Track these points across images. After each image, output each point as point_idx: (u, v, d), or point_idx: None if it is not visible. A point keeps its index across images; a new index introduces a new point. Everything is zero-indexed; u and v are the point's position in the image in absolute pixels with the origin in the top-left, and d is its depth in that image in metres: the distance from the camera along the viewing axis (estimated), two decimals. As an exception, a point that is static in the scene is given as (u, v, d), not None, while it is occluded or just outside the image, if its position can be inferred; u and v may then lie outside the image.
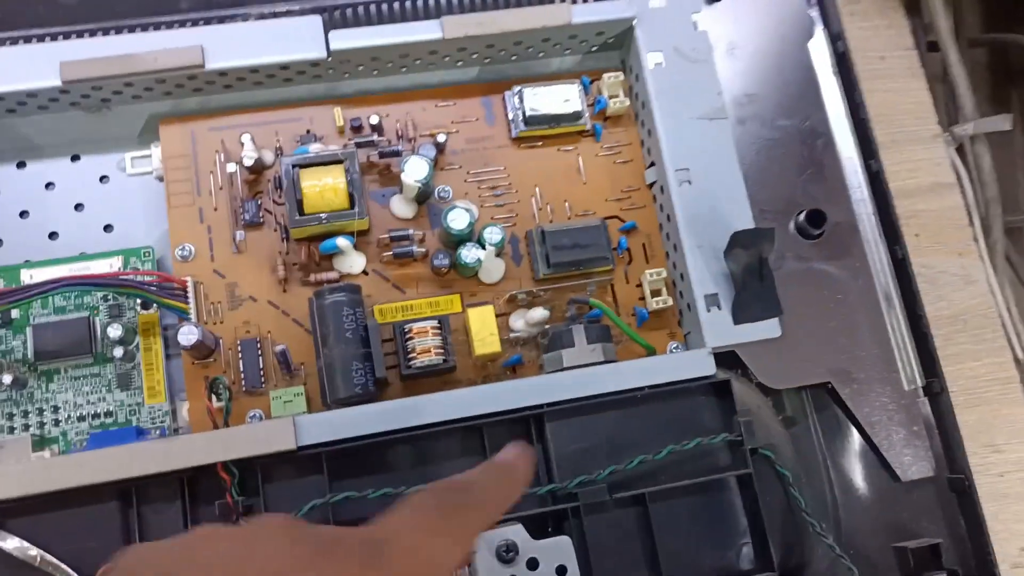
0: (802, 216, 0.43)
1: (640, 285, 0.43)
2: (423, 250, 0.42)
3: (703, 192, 0.42)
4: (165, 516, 0.36)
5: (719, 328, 0.40)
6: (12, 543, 0.34)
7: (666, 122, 0.43)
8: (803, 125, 0.45)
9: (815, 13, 0.48)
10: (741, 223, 0.41)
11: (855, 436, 0.42)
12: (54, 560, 0.34)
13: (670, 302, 0.43)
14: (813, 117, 0.46)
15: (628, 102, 0.45)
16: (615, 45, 0.46)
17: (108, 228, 0.42)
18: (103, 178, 0.43)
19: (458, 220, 0.41)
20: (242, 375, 0.40)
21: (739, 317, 0.40)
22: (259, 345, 0.40)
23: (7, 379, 0.38)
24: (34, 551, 0.34)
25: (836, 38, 0.47)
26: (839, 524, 0.41)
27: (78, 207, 0.42)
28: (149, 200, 0.42)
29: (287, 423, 0.36)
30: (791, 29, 0.47)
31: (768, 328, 0.40)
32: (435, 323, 0.40)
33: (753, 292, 0.40)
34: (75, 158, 0.43)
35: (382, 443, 0.38)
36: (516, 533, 0.37)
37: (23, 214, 0.42)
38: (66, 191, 0.42)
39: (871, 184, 0.45)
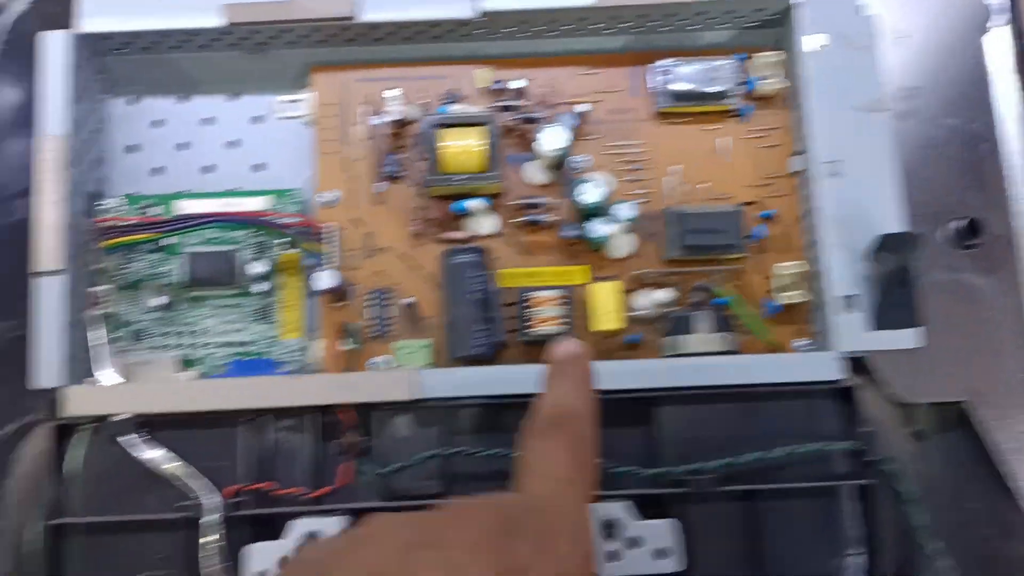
0: (956, 224, 0.41)
1: (771, 277, 0.42)
2: (554, 219, 0.42)
3: (852, 187, 0.40)
4: (296, 445, 0.38)
5: (852, 332, 0.39)
6: (157, 453, 0.37)
7: (820, 109, 0.41)
8: (969, 126, 0.42)
9: (995, 1, 0.44)
10: (890, 225, 0.39)
11: (985, 462, 0.40)
12: (195, 472, 0.37)
13: (802, 298, 0.41)
14: (980, 119, 0.43)
15: (781, 84, 0.43)
16: (774, 22, 0.44)
17: (258, 167, 0.44)
18: (257, 119, 0.45)
19: (589, 194, 0.40)
20: (371, 322, 0.41)
21: (876, 323, 0.39)
22: (390, 295, 0.42)
23: (161, 301, 0.41)
24: (176, 463, 0.37)
25: (1020, 34, 0.43)
26: (954, 551, 0.39)
27: (232, 144, 0.44)
28: (297, 144, 0.44)
29: (411, 374, 0.38)
30: (966, 20, 0.44)
31: (904, 338, 0.39)
32: (559, 293, 0.41)
33: (893, 299, 0.39)
34: (232, 97, 0.45)
35: (497, 405, 0.38)
36: (623, 510, 0.37)
37: (182, 146, 0.44)
38: (223, 128, 0.44)
39: (1038, 197, 0.42)
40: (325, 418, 0.38)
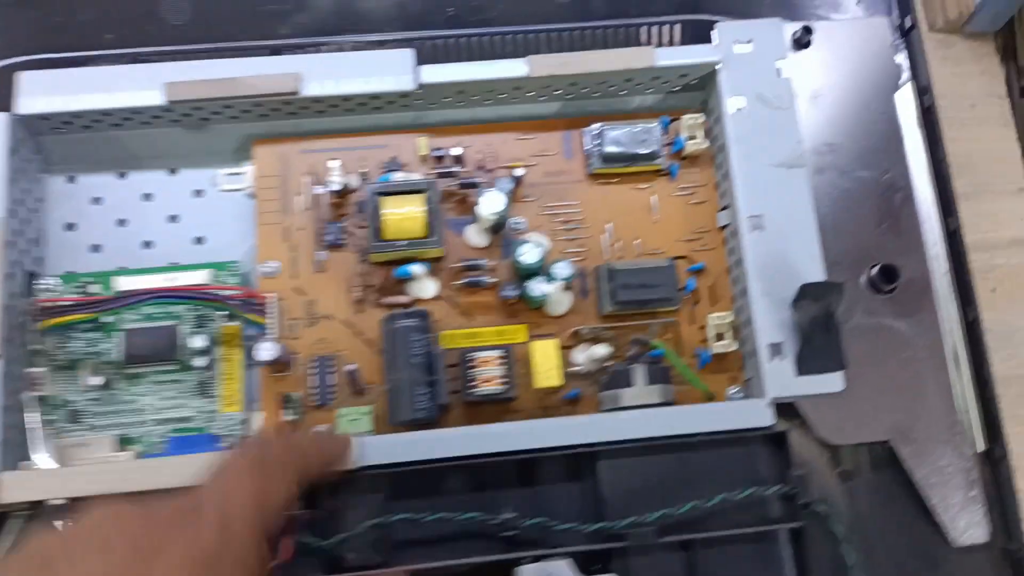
0: (874, 270, 0.43)
1: (704, 327, 0.44)
2: (493, 280, 0.43)
3: (775, 239, 0.42)
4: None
5: (781, 378, 0.40)
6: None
7: (743, 167, 0.43)
8: (882, 177, 0.45)
9: (903, 59, 0.47)
10: (812, 274, 0.41)
11: (911, 496, 0.42)
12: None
13: (734, 347, 0.43)
14: (893, 169, 0.45)
15: (706, 144, 0.45)
16: (697, 86, 0.46)
17: (199, 240, 0.45)
18: (198, 192, 0.45)
19: (528, 254, 0.42)
20: (314, 391, 0.42)
21: (802, 369, 0.40)
22: (333, 362, 0.42)
23: (98, 380, 0.41)
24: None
25: (923, 91, 0.47)
26: (889, 584, 0.41)
27: (173, 218, 0.45)
28: (239, 215, 0.45)
29: (352, 441, 0.38)
30: (877, 78, 0.47)
31: (830, 382, 0.41)
32: (500, 353, 0.42)
33: (818, 345, 0.40)
34: (172, 171, 0.45)
35: (439, 468, 0.39)
36: (567, 567, 0.38)
37: (121, 222, 0.45)
38: (162, 202, 0.45)
39: (948, 241, 0.45)
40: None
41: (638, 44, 0.47)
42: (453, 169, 0.44)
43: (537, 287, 0.42)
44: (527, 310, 0.44)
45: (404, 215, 0.42)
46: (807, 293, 0.40)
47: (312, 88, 0.42)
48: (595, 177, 0.46)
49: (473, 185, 0.44)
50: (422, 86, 0.43)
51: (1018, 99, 0.55)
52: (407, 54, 0.43)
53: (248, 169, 0.45)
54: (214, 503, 0.28)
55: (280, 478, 0.31)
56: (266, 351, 0.40)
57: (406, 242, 0.42)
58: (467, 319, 0.44)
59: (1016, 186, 0.51)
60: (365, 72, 0.42)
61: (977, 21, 0.52)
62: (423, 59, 0.43)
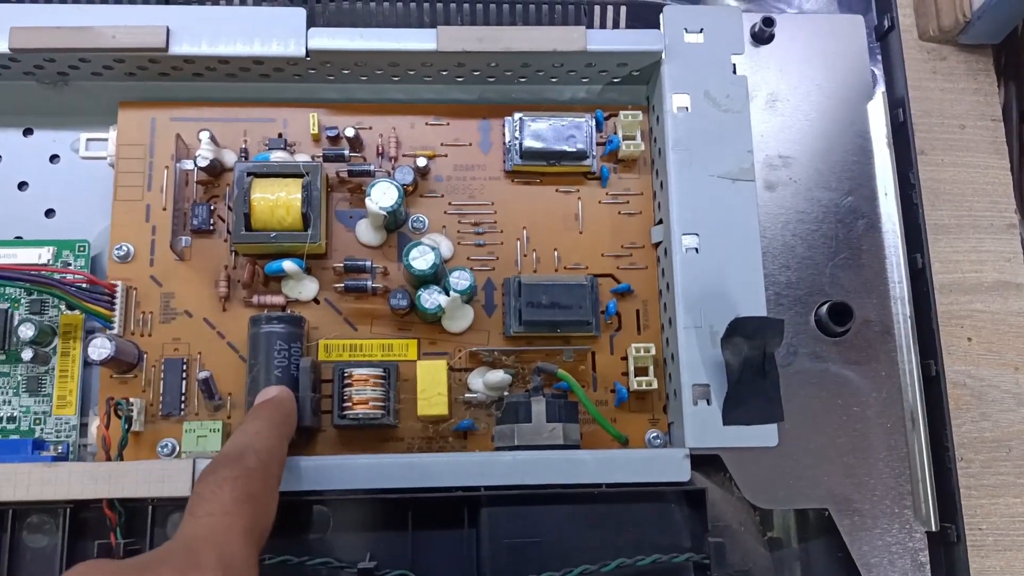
0: (825, 308, 0.37)
1: (626, 358, 0.38)
2: (380, 285, 0.37)
3: (711, 263, 0.36)
4: (43, 547, 0.33)
5: (705, 426, 0.34)
6: None
7: (681, 176, 0.37)
8: (844, 201, 0.39)
9: (879, 70, 0.41)
10: (750, 307, 0.35)
11: (849, 574, 0.36)
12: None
13: (656, 384, 0.37)
14: (857, 193, 0.39)
15: (644, 146, 0.39)
16: (641, 79, 0.40)
17: (50, 213, 0.39)
18: (54, 157, 0.39)
19: (420, 259, 0.36)
20: (161, 398, 0.36)
21: (729, 417, 0.34)
22: (185, 367, 0.36)
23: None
24: None
25: (896, 104, 0.40)
26: (812, 678, 0.35)
27: (22, 186, 0.39)
28: (99, 188, 0.39)
29: (186, 465, 0.32)
30: (848, 84, 0.40)
31: (763, 435, 0.34)
32: (379, 371, 0.36)
33: (751, 390, 0.34)
34: (28, 132, 0.39)
35: (293, 503, 0.33)
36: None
37: (-44, 187, 0.39)
38: (12, 167, 0.39)
39: (913, 282, 0.38)
40: (83, 514, 0.33)
41: (577, 24, 0.41)
42: (344, 152, 0.38)
43: (430, 298, 0.36)
44: (421, 323, 0.38)
45: (276, 201, 0.36)
46: (740, 329, 0.34)
47: (182, 46, 0.36)
48: (513, 175, 0.39)
49: (367, 173, 0.38)
50: (311, 53, 0.36)
51: (1017, 124, 0.49)
52: (297, 14, 0.36)
53: (112, 135, 0.39)
54: (213, 549, 0.25)
55: (267, 500, 0.28)
56: (99, 348, 0.34)
57: (277, 233, 0.36)
58: (350, 328, 0.38)
59: (1005, 222, 0.45)
60: (246, 31, 0.36)
61: (975, 31, 0.46)
62: (318, 22, 0.37)
